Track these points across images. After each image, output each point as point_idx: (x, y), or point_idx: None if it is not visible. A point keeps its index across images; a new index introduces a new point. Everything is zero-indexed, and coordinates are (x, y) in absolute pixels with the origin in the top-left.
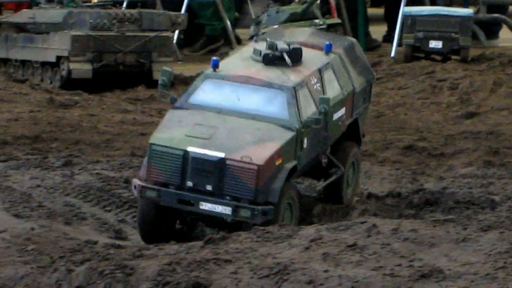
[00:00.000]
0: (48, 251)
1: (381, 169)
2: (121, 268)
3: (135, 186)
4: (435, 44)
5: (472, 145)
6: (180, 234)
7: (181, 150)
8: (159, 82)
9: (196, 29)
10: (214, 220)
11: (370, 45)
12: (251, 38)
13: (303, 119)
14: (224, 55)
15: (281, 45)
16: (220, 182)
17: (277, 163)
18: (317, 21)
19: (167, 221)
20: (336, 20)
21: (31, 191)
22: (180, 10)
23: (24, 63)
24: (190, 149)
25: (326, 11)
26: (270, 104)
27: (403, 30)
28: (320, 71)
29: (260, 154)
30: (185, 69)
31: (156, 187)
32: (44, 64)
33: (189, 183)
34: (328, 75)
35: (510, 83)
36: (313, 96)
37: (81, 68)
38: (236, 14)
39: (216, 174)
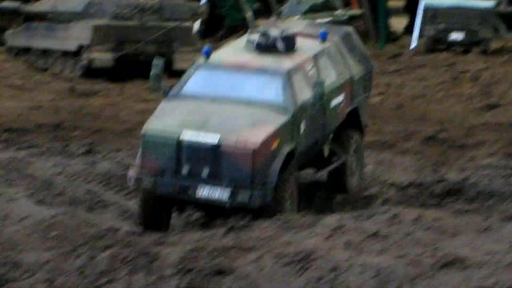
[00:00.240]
0: (70, 237)
1: (403, 160)
2: (143, 254)
3: (130, 178)
4: (456, 36)
5: (493, 137)
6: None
7: (175, 137)
8: (151, 73)
9: (216, 20)
10: (213, 208)
11: (391, 37)
12: None
13: (298, 103)
14: None
15: (274, 32)
16: (216, 167)
17: (274, 145)
18: (337, 12)
19: (166, 208)
20: (357, 11)
21: (53, 178)
22: (200, 0)
23: (45, 52)
24: (184, 136)
25: (347, 3)
26: (264, 89)
27: (424, 22)
28: (315, 57)
29: (254, 137)
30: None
31: (151, 177)
32: (65, 53)
33: (185, 170)
34: (324, 61)
35: None
36: (308, 82)
37: (102, 57)
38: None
39: (211, 160)
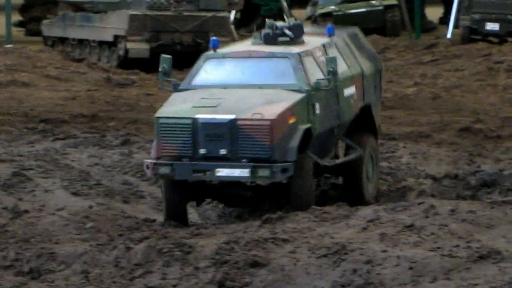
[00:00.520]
0: (106, 229)
1: (438, 151)
2: (179, 246)
3: (147, 166)
4: (492, 26)
5: None
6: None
7: (190, 118)
8: (160, 69)
9: (252, 10)
10: (233, 193)
11: (426, 27)
12: (308, 18)
13: (311, 83)
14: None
15: (281, 24)
16: (234, 145)
17: (290, 121)
18: (373, 2)
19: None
20: (392, 1)
21: (89, 169)
22: None
23: (81, 42)
24: (199, 116)
25: None
26: (276, 72)
27: (459, 12)
28: (324, 46)
29: (271, 111)
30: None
31: (168, 162)
32: (101, 43)
33: (202, 151)
34: (333, 52)
35: None
36: (319, 67)
37: (139, 47)
38: None
39: (229, 137)
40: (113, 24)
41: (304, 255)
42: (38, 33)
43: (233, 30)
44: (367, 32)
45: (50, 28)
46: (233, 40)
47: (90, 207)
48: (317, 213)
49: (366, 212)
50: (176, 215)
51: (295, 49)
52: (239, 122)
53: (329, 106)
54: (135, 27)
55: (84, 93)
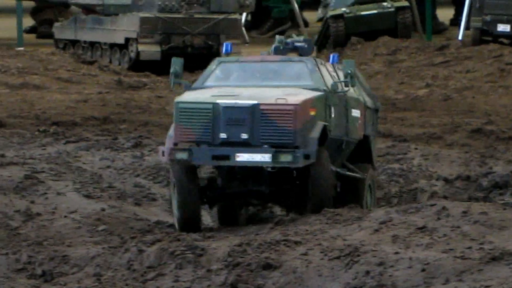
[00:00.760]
0: (118, 231)
1: (450, 152)
2: (192, 249)
3: (163, 152)
4: (503, 27)
5: None
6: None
7: (211, 103)
8: (171, 70)
9: (263, 12)
10: (249, 189)
11: (437, 28)
12: (319, 20)
13: (328, 84)
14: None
15: (291, 39)
16: (255, 130)
17: (311, 113)
18: (385, 4)
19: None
20: (404, 3)
21: (101, 172)
22: None
23: (92, 44)
24: (220, 101)
25: None
26: (291, 74)
27: (470, 14)
28: (333, 65)
29: (294, 98)
30: (252, 52)
31: (186, 147)
32: (112, 46)
33: (223, 135)
34: (341, 74)
35: None
36: (333, 77)
37: (150, 50)
38: None
39: (250, 123)
40: (124, 27)
41: (316, 257)
42: (49, 36)
43: (245, 33)
44: (378, 33)
45: (62, 30)
46: (244, 43)
47: (103, 209)
48: (329, 215)
49: (378, 214)
50: (190, 222)
51: (310, 57)
52: (263, 107)
53: (341, 117)
54: (146, 29)
55: (95, 96)
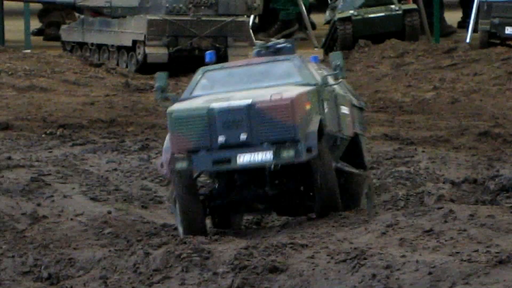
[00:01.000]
0: (125, 234)
1: (457, 155)
2: (198, 251)
3: (161, 164)
4: (511, 30)
5: None
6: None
7: (205, 108)
8: (156, 86)
9: (270, 14)
10: (253, 194)
11: (445, 31)
12: (327, 23)
13: (318, 79)
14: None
15: (273, 42)
16: (253, 130)
17: (307, 106)
18: (392, 6)
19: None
20: (411, 5)
21: (108, 174)
22: None
23: (100, 47)
24: (214, 104)
25: None
26: (279, 73)
27: (478, 16)
28: (317, 65)
29: (289, 92)
30: None
31: (185, 156)
32: (120, 48)
33: (221, 138)
34: (326, 72)
35: None
36: (319, 73)
37: (157, 52)
38: None
39: (248, 123)
40: (131, 29)
41: (323, 260)
42: (56, 38)
43: (252, 35)
44: (386, 36)
45: (69, 33)
46: (252, 45)
47: (109, 212)
48: (335, 218)
49: (385, 217)
50: (195, 230)
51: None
52: (258, 105)
53: (333, 112)
54: (153, 32)
55: (102, 98)
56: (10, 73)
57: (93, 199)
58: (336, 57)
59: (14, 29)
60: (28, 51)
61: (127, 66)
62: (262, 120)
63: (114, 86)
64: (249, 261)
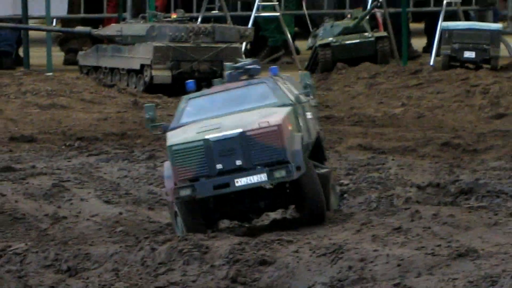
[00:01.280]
0: (134, 232)
1: (422, 163)
2: (197, 247)
3: (166, 193)
4: (469, 54)
5: (501, 142)
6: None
7: (201, 140)
8: (146, 117)
9: (260, 41)
10: (247, 206)
11: (412, 55)
12: (309, 48)
13: (292, 99)
14: (284, 63)
15: (240, 63)
16: (247, 155)
17: (290, 127)
18: (366, 34)
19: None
20: (382, 33)
21: (119, 180)
22: (247, 24)
23: (112, 70)
24: (209, 136)
25: (374, 26)
26: (257, 96)
27: (441, 42)
28: (282, 78)
29: (274, 117)
30: None
31: (188, 184)
32: (129, 71)
33: (219, 166)
34: (289, 83)
35: None
36: (289, 90)
37: (162, 74)
38: (296, 28)
39: (241, 149)
40: (140, 55)
41: (306, 254)
42: (74, 62)
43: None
44: (360, 60)
45: (85, 58)
46: None
47: (120, 213)
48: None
49: (359, 216)
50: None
51: (266, 77)
52: (249, 133)
53: (304, 123)
54: (159, 57)
55: (114, 115)
56: (34, 93)
57: (106, 202)
58: (305, 76)
59: (38, 55)
60: (50, 74)
61: (136, 87)
62: (254, 146)
63: (124, 104)
64: (242, 255)
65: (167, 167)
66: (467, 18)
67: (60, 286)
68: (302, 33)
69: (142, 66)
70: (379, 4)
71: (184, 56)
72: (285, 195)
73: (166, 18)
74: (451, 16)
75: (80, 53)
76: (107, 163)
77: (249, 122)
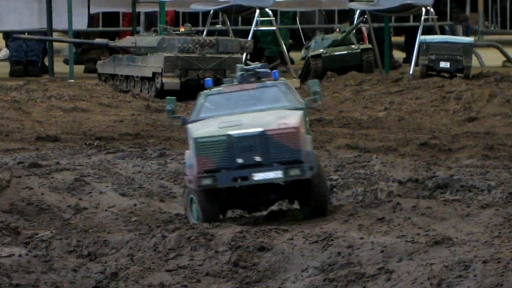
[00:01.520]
0: (147, 221)
1: (403, 160)
2: (203, 235)
3: (189, 180)
4: (444, 64)
5: (472, 142)
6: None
7: (224, 135)
8: (167, 109)
9: (258, 52)
10: (258, 199)
11: (393, 65)
12: (302, 59)
13: (303, 103)
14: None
15: (251, 66)
16: (265, 152)
17: (303, 130)
18: (353, 46)
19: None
20: (367, 45)
21: (133, 175)
22: (247, 37)
23: (127, 77)
24: (231, 132)
25: (359, 39)
26: (270, 98)
27: (419, 54)
28: (287, 84)
29: (291, 120)
30: None
31: (210, 174)
32: (142, 78)
33: (239, 160)
34: (293, 88)
35: (502, 95)
36: (296, 95)
37: (171, 81)
38: (290, 41)
39: (260, 146)
40: (152, 64)
41: (300, 241)
42: (94, 71)
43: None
44: (348, 69)
45: (103, 67)
46: None
47: (135, 205)
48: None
49: (347, 208)
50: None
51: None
52: (269, 133)
53: (307, 125)
54: (169, 66)
55: (129, 117)
56: (58, 98)
57: (122, 194)
58: (314, 84)
59: (61, 64)
60: (72, 81)
61: (148, 92)
62: (272, 145)
63: (138, 108)
64: (243, 242)
65: (188, 157)
66: (443, 32)
67: (82, 269)
68: (296, 45)
69: (154, 74)
70: (364, 19)
71: (191, 65)
72: (294, 190)
73: (175, 31)
74: (428, 30)
75: (99, 62)
76: (123, 160)
77: (269, 122)
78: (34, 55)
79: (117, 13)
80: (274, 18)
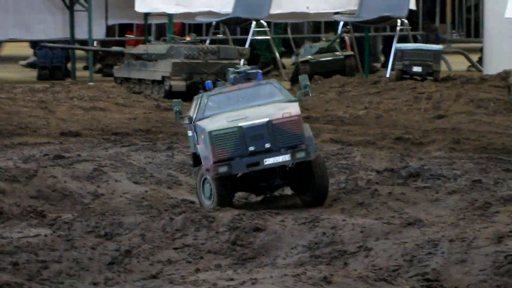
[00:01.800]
0: (156, 206)
1: (380, 153)
2: (206, 217)
3: (207, 169)
4: (417, 68)
5: (441, 137)
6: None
7: (235, 127)
8: (175, 110)
9: (254, 58)
10: (265, 183)
11: (372, 70)
12: (293, 64)
13: (296, 98)
14: (274, 76)
15: (240, 68)
16: (273, 139)
17: (301, 118)
18: (337, 53)
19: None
20: (349, 52)
21: (145, 166)
22: (244, 45)
23: (140, 80)
24: (241, 124)
25: (343, 47)
26: (266, 94)
27: (395, 59)
28: (279, 82)
29: (292, 110)
30: None
31: (225, 163)
32: (153, 82)
33: (251, 148)
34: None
35: (467, 95)
36: (287, 93)
37: (178, 84)
38: (282, 48)
39: (268, 134)
40: (161, 68)
41: (290, 223)
42: (111, 75)
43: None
44: (333, 73)
45: (119, 71)
46: None
47: (146, 191)
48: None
49: (331, 194)
50: (225, 204)
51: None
52: (275, 122)
53: None
54: (176, 70)
55: (142, 115)
56: (79, 98)
57: (135, 182)
58: (304, 78)
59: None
60: (92, 83)
61: (158, 94)
62: (279, 132)
63: (149, 107)
64: (240, 224)
65: (202, 149)
66: (415, 40)
67: (99, 247)
68: (287, 52)
69: (163, 77)
70: (347, 30)
71: (195, 70)
72: (297, 176)
73: (182, 40)
74: (403, 39)
75: (115, 67)
76: (136, 152)
77: (272, 113)
78: (59, 61)
79: (131, 24)
80: (268, 28)
